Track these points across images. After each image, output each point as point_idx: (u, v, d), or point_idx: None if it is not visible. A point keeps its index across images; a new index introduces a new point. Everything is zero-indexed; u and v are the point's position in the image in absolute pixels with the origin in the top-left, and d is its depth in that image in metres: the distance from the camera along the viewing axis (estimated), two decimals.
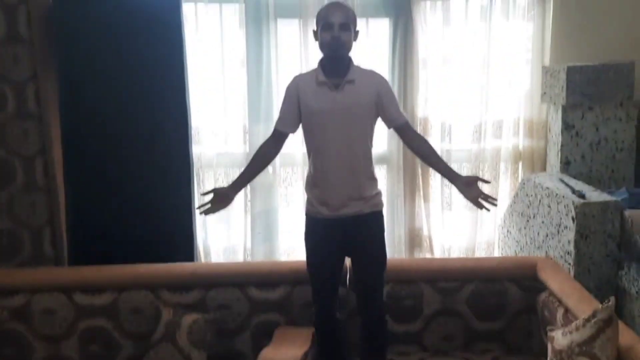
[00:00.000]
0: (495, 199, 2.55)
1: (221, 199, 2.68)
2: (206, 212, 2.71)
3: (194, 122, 3.50)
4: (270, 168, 3.57)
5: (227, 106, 3.57)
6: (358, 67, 2.62)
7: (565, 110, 3.34)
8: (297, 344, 2.77)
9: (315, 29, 2.59)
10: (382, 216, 2.65)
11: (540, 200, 3.14)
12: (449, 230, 3.73)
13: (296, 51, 3.51)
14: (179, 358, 2.81)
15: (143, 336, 2.98)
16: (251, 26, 3.50)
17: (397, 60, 3.57)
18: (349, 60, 2.57)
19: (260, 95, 3.50)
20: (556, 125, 3.42)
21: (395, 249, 3.67)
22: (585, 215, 2.78)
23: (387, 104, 2.57)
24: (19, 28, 3.20)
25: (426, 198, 3.67)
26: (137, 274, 3.09)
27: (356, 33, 2.59)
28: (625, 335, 2.25)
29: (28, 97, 3.27)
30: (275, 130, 2.67)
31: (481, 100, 3.61)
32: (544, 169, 3.64)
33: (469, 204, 3.58)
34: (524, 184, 3.37)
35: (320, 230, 2.58)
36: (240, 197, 3.62)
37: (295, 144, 3.41)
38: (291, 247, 3.70)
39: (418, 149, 2.66)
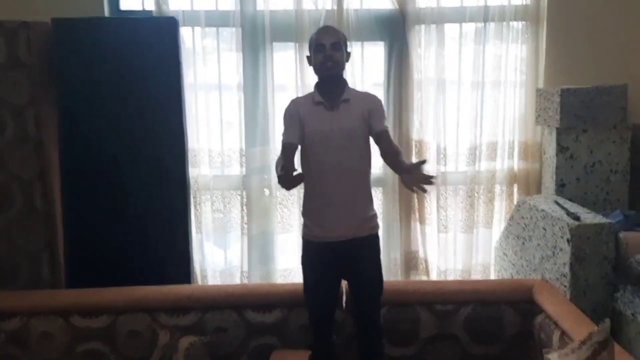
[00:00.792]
0: (433, 176, 2.28)
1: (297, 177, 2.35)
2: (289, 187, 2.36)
3: (191, 145, 3.53)
4: (266, 191, 3.60)
5: (224, 129, 3.59)
6: (353, 89, 2.70)
7: (559, 132, 3.36)
8: None
9: (308, 54, 2.67)
10: (378, 239, 2.67)
11: (535, 223, 3.15)
12: (445, 253, 3.73)
13: (292, 75, 3.54)
14: None
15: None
16: (248, 50, 3.54)
17: (392, 83, 3.60)
18: (344, 81, 2.64)
19: (256, 118, 3.53)
20: (551, 148, 3.44)
21: (391, 272, 3.67)
22: (580, 238, 2.79)
23: (374, 114, 2.59)
24: (19, 53, 3.24)
25: (422, 220, 3.68)
26: (134, 297, 3.10)
27: (348, 54, 2.68)
28: (622, 358, 2.26)
29: (27, 121, 3.30)
30: (283, 144, 2.57)
31: (476, 122, 3.63)
32: (539, 190, 3.66)
33: (465, 227, 3.64)
34: (519, 206, 3.38)
35: (317, 254, 2.59)
36: (237, 220, 3.65)
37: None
38: (288, 270, 3.70)
39: (388, 155, 2.56)
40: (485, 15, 3.58)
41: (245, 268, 3.63)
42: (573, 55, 3.63)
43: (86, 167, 3.41)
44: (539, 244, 3.13)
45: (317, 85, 2.66)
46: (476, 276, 3.76)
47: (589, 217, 2.91)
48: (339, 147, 2.55)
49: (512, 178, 3.73)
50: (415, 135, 3.64)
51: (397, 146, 2.63)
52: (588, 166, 3.39)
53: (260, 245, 3.63)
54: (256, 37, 3.54)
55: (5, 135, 3.28)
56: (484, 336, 3.06)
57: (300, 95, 3.13)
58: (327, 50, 2.56)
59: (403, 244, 3.67)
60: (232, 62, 3.55)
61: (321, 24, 3.35)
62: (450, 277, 3.74)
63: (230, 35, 3.56)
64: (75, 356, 3.04)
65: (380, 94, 3.57)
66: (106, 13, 3.61)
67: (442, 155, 3.64)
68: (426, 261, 3.71)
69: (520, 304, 3.05)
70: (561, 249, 2.89)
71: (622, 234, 2.87)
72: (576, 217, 2.87)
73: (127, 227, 3.44)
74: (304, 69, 3.45)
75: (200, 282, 3.63)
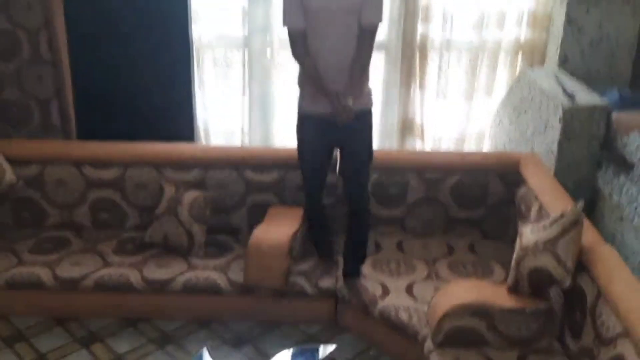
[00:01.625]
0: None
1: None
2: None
3: (194, 3, 3.48)
4: (268, 50, 3.60)
5: None
6: None
7: (569, 4, 3.28)
8: (288, 223, 3.02)
9: None
10: (371, 114, 2.74)
11: (532, 97, 3.20)
12: (441, 120, 3.81)
13: None
14: (181, 230, 3.08)
15: (148, 208, 3.24)
16: None
17: None
18: None
19: None
20: (559, 19, 3.38)
21: (387, 136, 3.79)
22: (572, 117, 2.86)
23: (370, 1, 2.54)
24: None
25: (422, 86, 3.71)
26: (142, 152, 3.28)
27: None
28: (589, 236, 2.43)
29: None
30: (290, 32, 2.59)
31: None
32: (543, 61, 3.64)
33: (465, 94, 3.68)
34: (520, 78, 3.40)
35: (310, 125, 2.69)
36: (238, 81, 3.69)
37: None
38: (286, 130, 3.82)
39: (356, 55, 2.59)
40: None
41: (246, 127, 3.76)
42: None
43: (91, 20, 3.41)
44: (532, 118, 3.20)
45: None
46: (470, 144, 3.88)
47: (584, 96, 2.94)
48: (340, 23, 2.53)
49: (518, 47, 3.70)
50: (422, 0, 3.55)
51: (367, 55, 2.60)
52: (594, 41, 3.35)
53: (260, 106, 3.71)
54: None
55: None
56: (468, 201, 3.26)
57: None
58: None
59: (401, 109, 3.74)
60: None
61: None
62: (445, 143, 3.86)
63: None
64: (89, 202, 3.29)
65: None
66: None
67: (448, 22, 3.58)
68: (422, 127, 3.80)
69: (506, 175, 3.20)
70: (552, 126, 2.97)
71: (615, 114, 2.93)
72: (571, 97, 2.91)
73: (132, 81, 3.54)
74: None
75: (203, 138, 3.77)
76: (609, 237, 2.75)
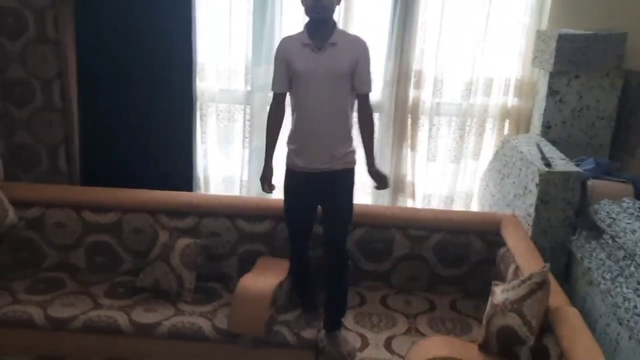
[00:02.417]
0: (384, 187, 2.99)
1: (270, 185, 3.00)
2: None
3: (200, 59, 3.71)
4: (268, 107, 3.78)
5: (232, 46, 3.73)
6: (343, 32, 2.82)
7: (552, 76, 3.45)
8: (275, 274, 3.13)
9: None
10: (353, 173, 2.89)
11: (514, 162, 3.34)
12: (431, 179, 3.96)
13: None
14: (171, 276, 3.19)
15: (142, 253, 3.37)
16: None
17: (398, 11, 3.64)
18: (333, 24, 2.74)
19: (262, 38, 3.65)
20: (542, 90, 3.55)
21: (379, 193, 3.92)
22: (547, 183, 2.98)
23: (362, 69, 2.74)
24: None
25: (413, 147, 3.87)
26: (139, 199, 3.43)
27: None
28: (556, 298, 2.53)
29: (47, 24, 3.50)
30: (274, 94, 2.89)
31: (474, 58, 3.72)
32: (529, 128, 3.80)
33: (453, 157, 3.85)
34: (504, 144, 3.56)
35: (296, 182, 2.83)
36: (239, 133, 3.88)
37: None
38: (282, 182, 3.97)
39: (362, 121, 2.88)
40: None
41: (245, 178, 3.92)
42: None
43: (101, 73, 3.65)
44: (514, 182, 3.34)
45: (306, 26, 2.76)
46: (459, 203, 4.01)
47: (560, 163, 3.08)
48: (323, 86, 2.70)
49: (505, 114, 3.87)
50: (415, 65, 3.75)
51: (371, 119, 2.88)
52: (575, 110, 3.51)
53: (259, 158, 3.87)
54: None
55: (27, 36, 3.52)
56: (451, 260, 3.37)
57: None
58: None
59: (393, 168, 3.89)
60: None
61: None
62: (435, 202, 4.00)
63: None
64: (85, 245, 3.43)
65: (385, 19, 3.66)
66: None
67: (438, 87, 3.77)
68: (413, 185, 3.94)
69: (487, 236, 3.32)
70: (530, 191, 3.10)
71: (590, 182, 3.05)
72: (548, 163, 3.05)
73: (136, 133, 3.74)
74: None
75: (203, 188, 3.94)
76: (581, 301, 2.84)
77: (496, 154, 3.67)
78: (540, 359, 2.36)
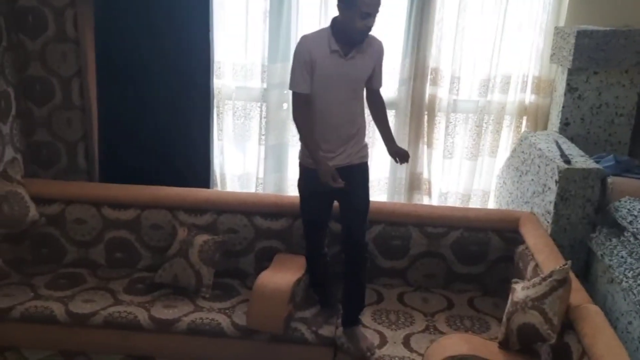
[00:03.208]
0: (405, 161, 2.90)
1: (336, 178, 2.68)
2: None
3: (217, 57, 3.72)
4: (285, 105, 3.81)
5: (249, 43, 3.74)
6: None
7: (570, 73, 3.43)
8: (293, 270, 3.14)
9: (342, 3, 2.62)
10: (367, 166, 2.92)
11: (532, 159, 3.32)
12: (448, 177, 3.94)
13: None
14: (190, 272, 3.21)
15: (160, 250, 3.40)
16: None
17: (414, 8, 3.64)
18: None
19: (279, 36, 3.65)
20: (560, 87, 3.53)
21: (395, 190, 3.93)
22: (567, 180, 2.97)
23: (378, 69, 2.84)
24: None
25: (429, 144, 3.87)
26: (158, 195, 3.46)
27: None
28: (577, 295, 2.53)
29: (66, 22, 3.53)
30: (298, 94, 2.75)
31: (492, 55, 3.70)
32: (547, 125, 3.78)
33: (470, 154, 3.84)
34: (521, 140, 3.54)
35: (312, 179, 2.81)
36: (255, 130, 3.90)
37: None
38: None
39: (374, 106, 2.94)
40: None
41: (261, 175, 3.93)
42: None
43: (120, 72, 3.67)
44: (532, 179, 3.32)
45: (336, 33, 2.68)
46: (476, 201, 3.99)
47: (580, 160, 3.06)
48: (345, 89, 2.73)
49: (522, 111, 3.85)
50: (432, 63, 3.74)
51: (382, 100, 2.94)
52: (594, 107, 3.49)
53: (275, 155, 3.89)
54: None
55: (47, 35, 3.55)
56: (469, 257, 3.36)
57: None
58: (372, 21, 2.62)
59: (409, 165, 3.88)
60: None
61: None
62: (451, 200, 3.99)
63: None
64: (105, 241, 3.47)
65: (402, 16, 3.66)
66: None
67: (455, 84, 3.76)
68: (430, 183, 3.93)
69: (506, 233, 3.31)
70: (549, 188, 3.08)
71: (610, 179, 3.03)
72: (567, 160, 3.04)
73: (154, 130, 3.75)
74: None
75: (219, 185, 3.95)
76: (602, 298, 2.82)
77: (514, 151, 3.65)
78: (561, 357, 2.36)
